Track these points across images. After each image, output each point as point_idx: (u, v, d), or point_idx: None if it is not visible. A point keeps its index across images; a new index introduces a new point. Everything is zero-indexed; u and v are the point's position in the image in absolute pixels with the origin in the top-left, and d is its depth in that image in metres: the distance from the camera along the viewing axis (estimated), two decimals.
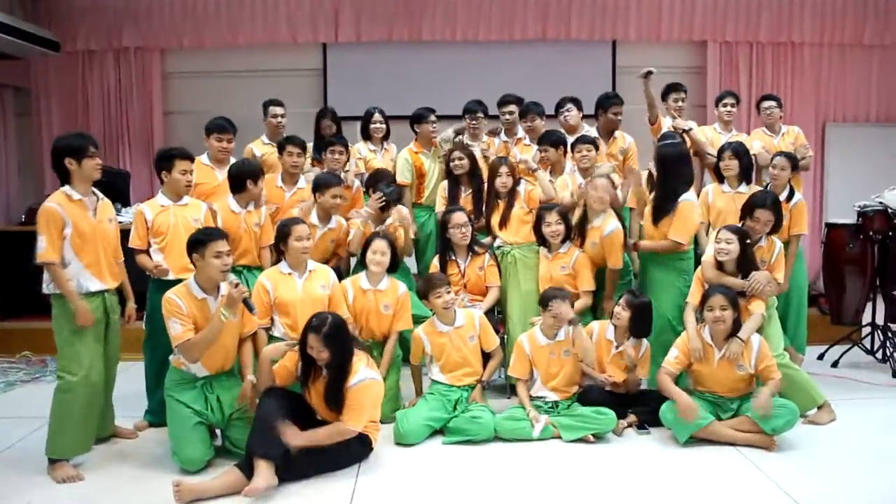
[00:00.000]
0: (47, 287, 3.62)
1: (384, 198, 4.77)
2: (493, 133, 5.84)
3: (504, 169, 4.87)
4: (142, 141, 7.58)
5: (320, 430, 3.54)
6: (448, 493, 3.43)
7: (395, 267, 4.53)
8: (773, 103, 5.73)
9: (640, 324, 4.24)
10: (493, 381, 4.73)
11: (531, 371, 4.25)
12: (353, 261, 5.06)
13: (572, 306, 4.22)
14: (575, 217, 4.75)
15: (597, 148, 5.05)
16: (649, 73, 5.36)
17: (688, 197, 4.54)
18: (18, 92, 7.48)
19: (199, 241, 3.65)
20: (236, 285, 3.60)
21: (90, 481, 3.55)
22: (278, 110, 5.72)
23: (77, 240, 3.61)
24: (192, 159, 4.24)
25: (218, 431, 3.89)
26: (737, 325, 4.00)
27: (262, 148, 5.66)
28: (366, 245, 4.47)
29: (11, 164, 7.51)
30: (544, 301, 4.22)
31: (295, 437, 3.42)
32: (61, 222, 3.56)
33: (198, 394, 3.72)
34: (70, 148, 3.60)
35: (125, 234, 4.09)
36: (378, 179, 4.97)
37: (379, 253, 4.38)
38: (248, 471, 3.34)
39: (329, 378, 3.58)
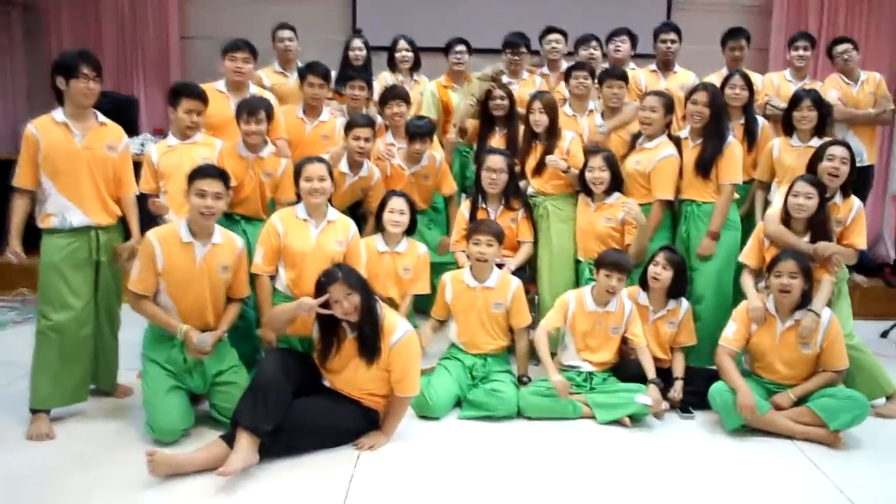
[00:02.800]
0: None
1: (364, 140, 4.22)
2: (535, 66, 5.32)
3: (537, 104, 4.33)
4: (157, 67, 7.13)
5: (391, 418, 3.32)
6: (458, 478, 2.99)
7: (412, 228, 4.04)
8: (848, 45, 5.13)
9: (682, 282, 3.84)
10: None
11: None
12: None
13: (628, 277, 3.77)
14: None
15: (627, 84, 4.61)
16: None
17: (731, 138, 4.19)
18: (27, 10, 7.02)
19: (189, 177, 3.29)
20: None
21: (61, 444, 3.20)
22: (285, 34, 5.15)
23: (50, 166, 3.28)
24: (202, 98, 3.88)
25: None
26: (805, 299, 3.48)
27: (272, 77, 5.12)
28: (382, 203, 3.99)
29: (20, 87, 7.10)
30: (601, 264, 3.73)
31: (378, 438, 3.26)
32: (34, 145, 3.28)
33: (177, 353, 3.29)
34: (62, 65, 3.26)
35: (139, 166, 3.79)
36: (391, 97, 4.56)
37: (397, 212, 3.91)
38: (234, 444, 2.92)
39: (362, 330, 3.16)
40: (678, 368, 3.81)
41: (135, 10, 7.05)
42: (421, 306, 4.26)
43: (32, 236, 3.45)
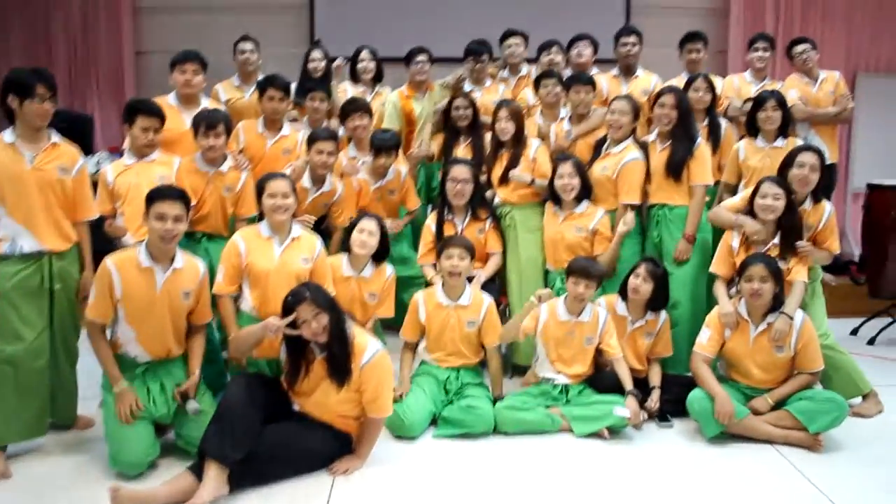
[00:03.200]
0: None
1: (327, 154, 4.13)
2: (495, 70, 5.32)
3: (504, 113, 4.28)
4: (111, 83, 6.95)
5: (365, 441, 3.21)
6: (439, 501, 2.90)
7: (384, 254, 3.87)
8: (807, 46, 5.17)
9: (663, 295, 3.78)
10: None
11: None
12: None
13: (599, 285, 3.72)
14: None
15: (594, 89, 4.57)
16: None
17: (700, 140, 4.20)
18: None
19: (147, 199, 3.13)
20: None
21: (17, 482, 3.02)
22: (246, 46, 5.03)
23: None
24: (158, 116, 3.74)
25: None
26: (777, 302, 3.46)
27: (230, 91, 4.99)
28: (352, 223, 3.84)
29: None
30: (570, 271, 3.67)
31: (352, 462, 3.14)
32: None
33: (139, 384, 3.15)
34: (15, 84, 3.10)
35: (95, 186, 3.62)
36: (352, 109, 4.46)
37: (367, 232, 3.73)
38: (202, 475, 2.80)
39: (331, 351, 3.06)
40: (655, 378, 3.75)
41: (86, 25, 6.87)
42: (387, 321, 4.12)
43: None
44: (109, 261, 3.12)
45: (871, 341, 4.88)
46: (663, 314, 3.84)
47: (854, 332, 5.06)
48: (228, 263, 3.46)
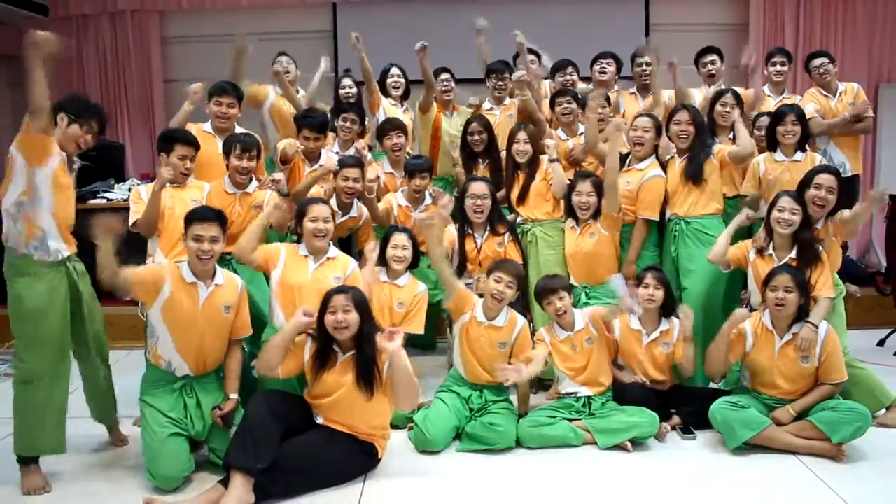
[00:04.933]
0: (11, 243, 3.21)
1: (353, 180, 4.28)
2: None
3: (522, 135, 4.40)
4: (141, 111, 7.22)
5: (406, 371, 3.12)
6: None
7: (415, 262, 4.04)
8: (824, 59, 5.19)
9: (672, 299, 3.84)
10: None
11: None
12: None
13: (569, 292, 3.80)
14: None
15: (610, 104, 4.73)
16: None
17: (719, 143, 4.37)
18: (9, 61, 7.05)
19: (185, 220, 3.30)
20: None
21: (57, 496, 3.14)
22: (283, 59, 5.30)
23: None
24: (195, 145, 3.91)
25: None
26: (802, 313, 3.49)
27: (278, 100, 5.21)
28: (385, 238, 4.00)
29: (5, 136, 7.07)
30: (538, 296, 3.78)
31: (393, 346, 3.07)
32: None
33: (176, 399, 3.27)
34: (70, 108, 3.23)
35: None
36: (390, 128, 4.70)
37: (400, 247, 3.92)
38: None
39: (360, 355, 3.16)
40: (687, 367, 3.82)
41: (117, 55, 7.14)
42: (416, 339, 4.22)
43: None
44: (169, 263, 3.36)
45: None
46: (676, 322, 3.83)
47: (881, 343, 5.05)
48: (268, 249, 3.68)
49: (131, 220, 3.78)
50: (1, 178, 3.25)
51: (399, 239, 3.94)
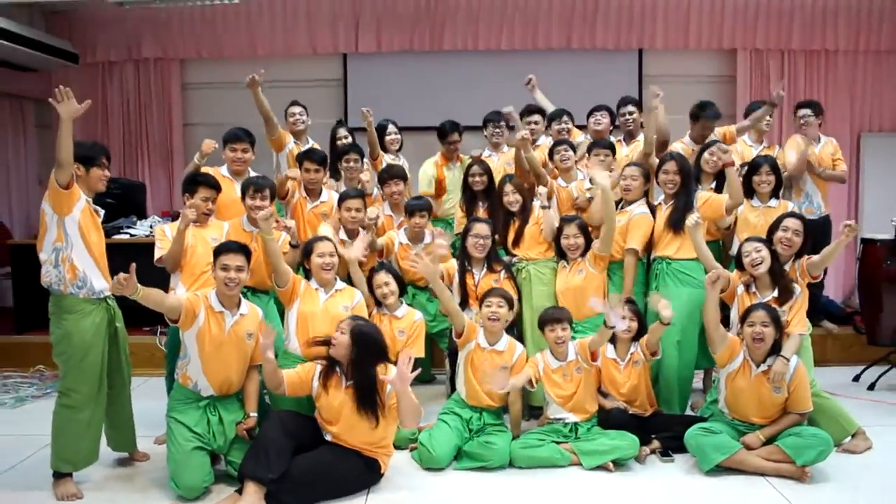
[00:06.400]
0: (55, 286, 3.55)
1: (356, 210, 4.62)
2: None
3: (509, 187, 4.77)
4: (161, 152, 7.58)
5: (410, 396, 3.45)
6: None
7: (403, 289, 4.43)
8: (807, 111, 5.53)
9: (645, 329, 4.16)
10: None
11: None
12: None
13: (571, 324, 4.12)
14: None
15: (614, 153, 5.06)
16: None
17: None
18: (39, 104, 7.49)
19: (214, 252, 3.68)
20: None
21: (89, 502, 3.48)
22: (296, 109, 5.61)
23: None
24: (216, 188, 4.23)
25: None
26: (776, 347, 3.81)
27: (294, 147, 5.49)
28: (369, 282, 4.37)
29: (31, 175, 7.53)
30: (542, 324, 4.10)
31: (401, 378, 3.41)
32: None
33: (200, 416, 3.61)
34: (79, 155, 3.54)
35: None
36: (389, 177, 5.01)
37: (383, 285, 4.30)
38: None
39: (356, 384, 3.50)
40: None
41: (140, 100, 7.53)
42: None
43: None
44: (198, 293, 3.68)
45: (871, 387, 5.14)
46: (638, 346, 4.16)
47: (856, 378, 5.33)
48: (296, 277, 4.08)
49: (156, 256, 4.11)
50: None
51: (380, 278, 4.31)
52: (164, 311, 3.57)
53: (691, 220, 4.22)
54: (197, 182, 4.18)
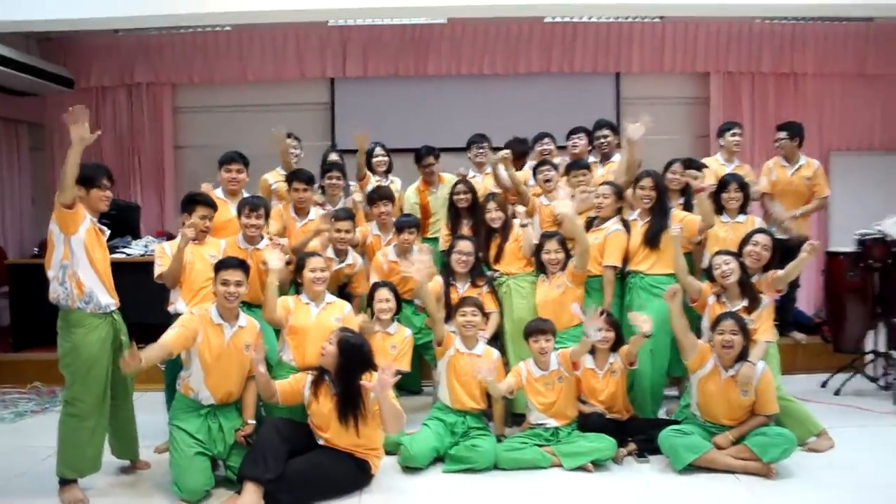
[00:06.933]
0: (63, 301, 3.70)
1: (345, 232, 4.86)
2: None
3: (492, 205, 5.01)
4: (153, 174, 7.79)
5: (391, 402, 3.69)
6: None
7: (399, 308, 4.67)
8: (782, 133, 5.82)
9: (622, 339, 4.39)
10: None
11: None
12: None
13: (554, 335, 4.32)
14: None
15: (590, 171, 5.32)
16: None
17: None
18: (33, 127, 7.69)
19: (214, 268, 3.90)
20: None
21: None
22: (290, 142, 5.79)
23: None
24: (213, 207, 4.41)
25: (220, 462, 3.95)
26: (744, 353, 4.05)
27: (276, 177, 5.71)
28: (371, 294, 4.63)
29: (25, 197, 7.69)
30: (528, 334, 4.31)
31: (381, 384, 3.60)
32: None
33: (201, 423, 3.81)
34: (81, 176, 3.66)
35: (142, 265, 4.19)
36: (378, 197, 5.24)
37: (384, 300, 4.54)
38: None
39: (338, 392, 3.70)
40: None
41: (132, 124, 7.74)
42: (404, 383, 4.81)
43: (48, 333, 3.85)
44: (194, 311, 3.87)
45: (837, 392, 5.39)
46: (616, 356, 4.38)
47: (824, 384, 5.58)
48: (284, 303, 4.23)
49: (156, 273, 4.29)
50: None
51: (382, 293, 4.56)
52: (171, 356, 3.78)
53: (675, 230, 4.48)
54: (195, 201, 4.36)
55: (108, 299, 3.80)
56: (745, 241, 4.46)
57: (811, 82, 7.91)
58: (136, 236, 6.57)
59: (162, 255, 4.36)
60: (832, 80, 7.92)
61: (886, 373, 5.38)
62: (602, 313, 4.25)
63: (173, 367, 4.12)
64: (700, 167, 5.14)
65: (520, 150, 5.73)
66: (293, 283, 4.57)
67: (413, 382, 5.31)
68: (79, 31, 7.21)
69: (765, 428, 3.99)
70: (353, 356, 3.77)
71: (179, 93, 7.87)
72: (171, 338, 3.71)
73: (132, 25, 6.76)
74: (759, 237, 4.42)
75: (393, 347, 4.53)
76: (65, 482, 3.72)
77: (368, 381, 3.70)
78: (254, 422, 3.90)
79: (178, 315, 4.05)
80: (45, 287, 3.74)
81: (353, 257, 4.97)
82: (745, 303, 4.32)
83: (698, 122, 7.98)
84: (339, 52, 7.71)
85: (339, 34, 7.65)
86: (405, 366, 4.53)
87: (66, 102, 7.35)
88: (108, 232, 3.95)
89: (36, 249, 6.71)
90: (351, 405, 3.70)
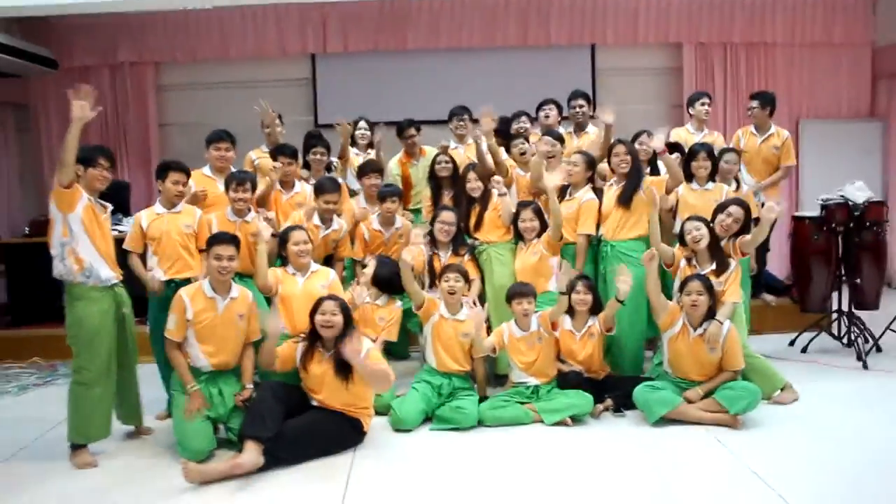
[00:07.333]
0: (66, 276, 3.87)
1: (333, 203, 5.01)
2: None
3: (472, 175, 5.22)
4: (139, 152, 7.90)
5: (372, 363, 3.85)
6: (439, 475, 3.69)
7: (397, 290, 4.85)
8: (753, 102, 6.04)
9: (598, 300, 4.63)
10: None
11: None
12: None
13: (535, 298, 4.54)
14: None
15: (562, 143, 5.47)
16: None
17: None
18: (18, 108, 7.76)
19: (207, 243, 4.08)
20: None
21: (105, 469, 3.86)
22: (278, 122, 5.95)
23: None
24: (186, 171, 4.53)
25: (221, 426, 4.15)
26: (711, 313, 4.29)
27: (259, 154, 5.90)
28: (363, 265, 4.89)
29: (13, 178, 7.79)
30: (510, 298, 4.53)
31: (351, 354, 3.76)
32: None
33: (203, 388, 4.01)
34: (79, 156, 3.80)
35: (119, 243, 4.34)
36: (369, 170, 5.45)
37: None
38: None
39: (338, 351, 3.88)
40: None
41: (116, 103, 7.84)
42: (392, 349, 5.09)
43: (45, 310, 3.99)
44: (183, 293, 4.03)
45: (804, 349, 5.69)
46: (595, 319, 4.61)
47: (791, 343, 5.85)
48: (275, 274, 4.46)
49: (125, 243, 4.42)
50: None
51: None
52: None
53: (650, 189, 4.68)
54: (167, 167, 4.48)
55: (109, 273, 3.96)
56: (721, 209, 4.66)
57: (781, 52, 8.14)
58: (127, 213, 6.72)
59: (135, 227, 4.47)
60: (801, 50, 8.17)
61: (849, 331, 5.66)
62: (582, 277, 4.47)
63: (160, 341, 4.22)
64: (559, 137, 5.41)
65: (504, 130, 5.90)
66: (279, 257, 4.75)
67: (401, 349, 5.52)
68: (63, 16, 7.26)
69: (732, 383, 4.26)
70: (352, 320, 4.04)
71: (163, 71, 7.98)
72: (172, 329, 4.02)
73: (114, 10, 6.86)
74: (734, 209, 4.60)
75: (381, 319, 4.78)
76: (76, 447, 3.92)
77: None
78: (252, 386, 4.11)
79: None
80: (39, 265, 3.94)
81: (339, 223, 5.12)
82: (714, 266, 4.55)
83: (672, 92, 8.19)
84: (319, 29, 7.83)
85: (319, 10, 7.77)
86: (392, 336, 4.79)
87: (49, 83, 7.56)
88: (110, 207, 4.10)
89: (27, 229, 6.83)
90: (347, 366, 3.87)
